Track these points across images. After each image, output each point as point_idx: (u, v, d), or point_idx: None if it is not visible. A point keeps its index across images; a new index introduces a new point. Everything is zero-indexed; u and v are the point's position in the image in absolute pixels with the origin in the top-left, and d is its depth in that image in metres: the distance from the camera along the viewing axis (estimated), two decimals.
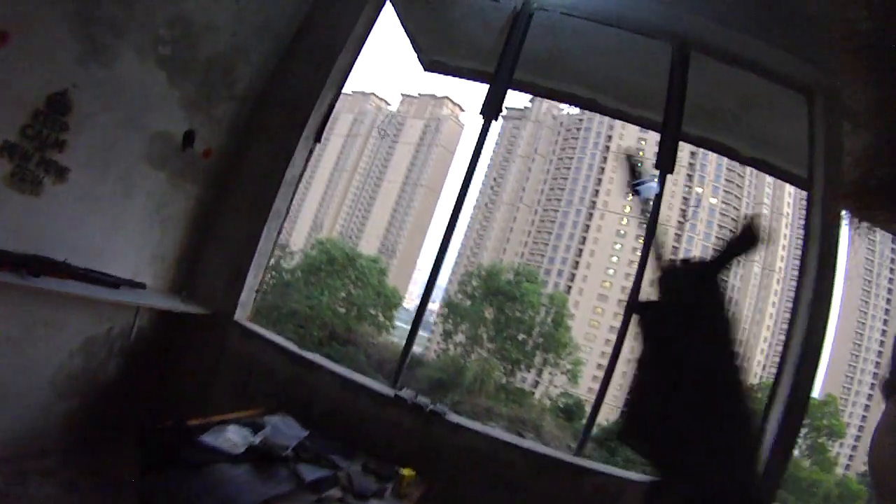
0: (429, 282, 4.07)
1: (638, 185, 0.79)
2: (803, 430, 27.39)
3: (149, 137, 3.72)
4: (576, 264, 68.21)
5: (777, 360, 3.47)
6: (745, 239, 0.59)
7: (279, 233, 4.32)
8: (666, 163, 3.92)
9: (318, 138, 4.34)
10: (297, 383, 3.78)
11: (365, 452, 3.31)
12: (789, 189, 64.38)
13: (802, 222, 3.64)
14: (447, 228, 4.12)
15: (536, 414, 30.34)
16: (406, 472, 3.04)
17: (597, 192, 72.97)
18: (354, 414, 3.64)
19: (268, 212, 4.11)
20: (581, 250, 69.01)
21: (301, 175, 4.33)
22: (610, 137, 73.54)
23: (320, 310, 30.22)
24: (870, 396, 63.79)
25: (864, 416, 60.51)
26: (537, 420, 29.28)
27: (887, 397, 0.46)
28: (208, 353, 4.02)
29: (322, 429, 3.35)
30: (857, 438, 55.72)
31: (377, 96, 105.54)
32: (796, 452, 26.99)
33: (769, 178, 68.62)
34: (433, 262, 4.13)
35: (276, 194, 4.12)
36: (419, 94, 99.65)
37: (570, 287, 63.91)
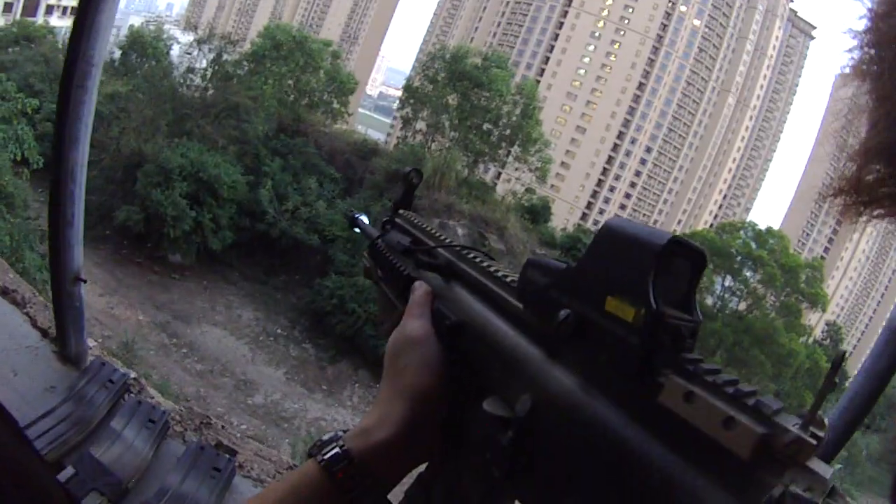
0: None
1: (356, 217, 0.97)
2: (781, 289, 26.76)
3: None
4: (546, 59, 64.47)
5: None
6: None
7: None
8: None
9: None
10: None
11: None
12: (777, 28, 59.44)
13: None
14: None
15: (500, 213, 29.01)
16: None
17: None
18: None
19: None
20: (553, 46, 64.77)
21: None
22: None
23: (263, 100, 27.05)
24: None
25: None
26: (501, 220, 28.23)
27: None
28: None
29: None
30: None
31: None
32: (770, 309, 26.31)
33: (758, 14, 62.70)
34: None
35: None
36: None
37: (538, 82, 60.86)
